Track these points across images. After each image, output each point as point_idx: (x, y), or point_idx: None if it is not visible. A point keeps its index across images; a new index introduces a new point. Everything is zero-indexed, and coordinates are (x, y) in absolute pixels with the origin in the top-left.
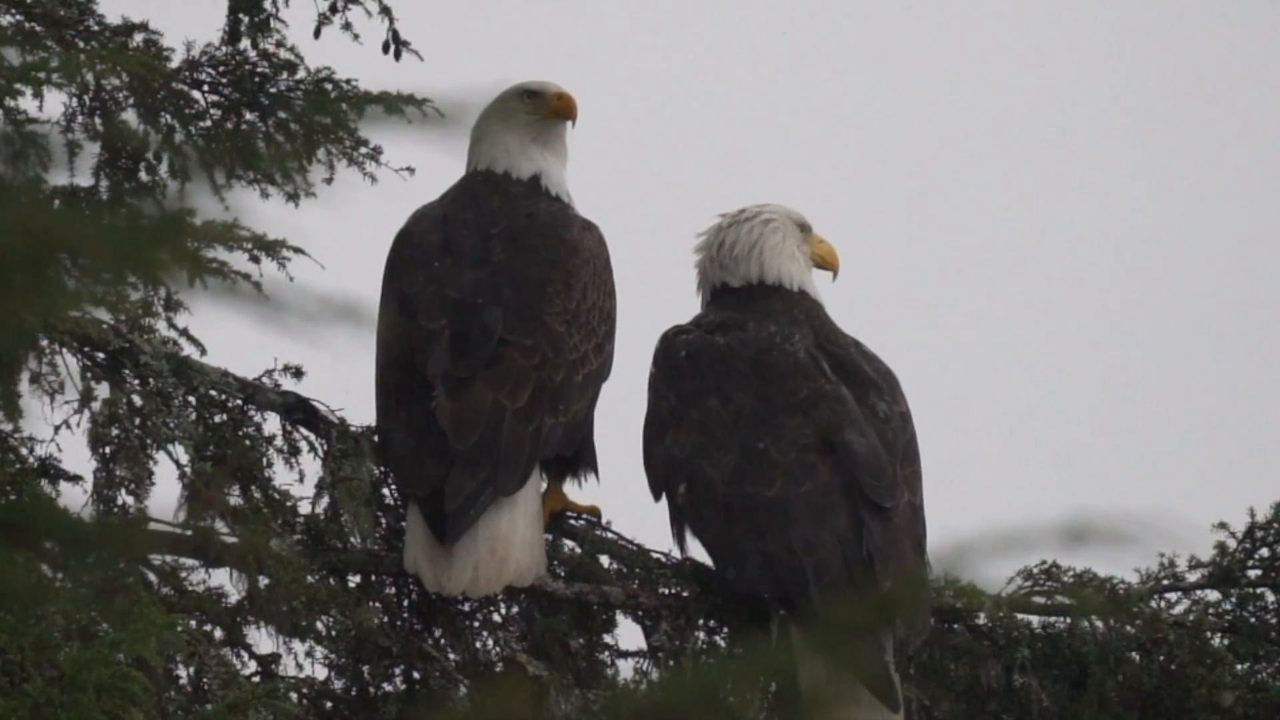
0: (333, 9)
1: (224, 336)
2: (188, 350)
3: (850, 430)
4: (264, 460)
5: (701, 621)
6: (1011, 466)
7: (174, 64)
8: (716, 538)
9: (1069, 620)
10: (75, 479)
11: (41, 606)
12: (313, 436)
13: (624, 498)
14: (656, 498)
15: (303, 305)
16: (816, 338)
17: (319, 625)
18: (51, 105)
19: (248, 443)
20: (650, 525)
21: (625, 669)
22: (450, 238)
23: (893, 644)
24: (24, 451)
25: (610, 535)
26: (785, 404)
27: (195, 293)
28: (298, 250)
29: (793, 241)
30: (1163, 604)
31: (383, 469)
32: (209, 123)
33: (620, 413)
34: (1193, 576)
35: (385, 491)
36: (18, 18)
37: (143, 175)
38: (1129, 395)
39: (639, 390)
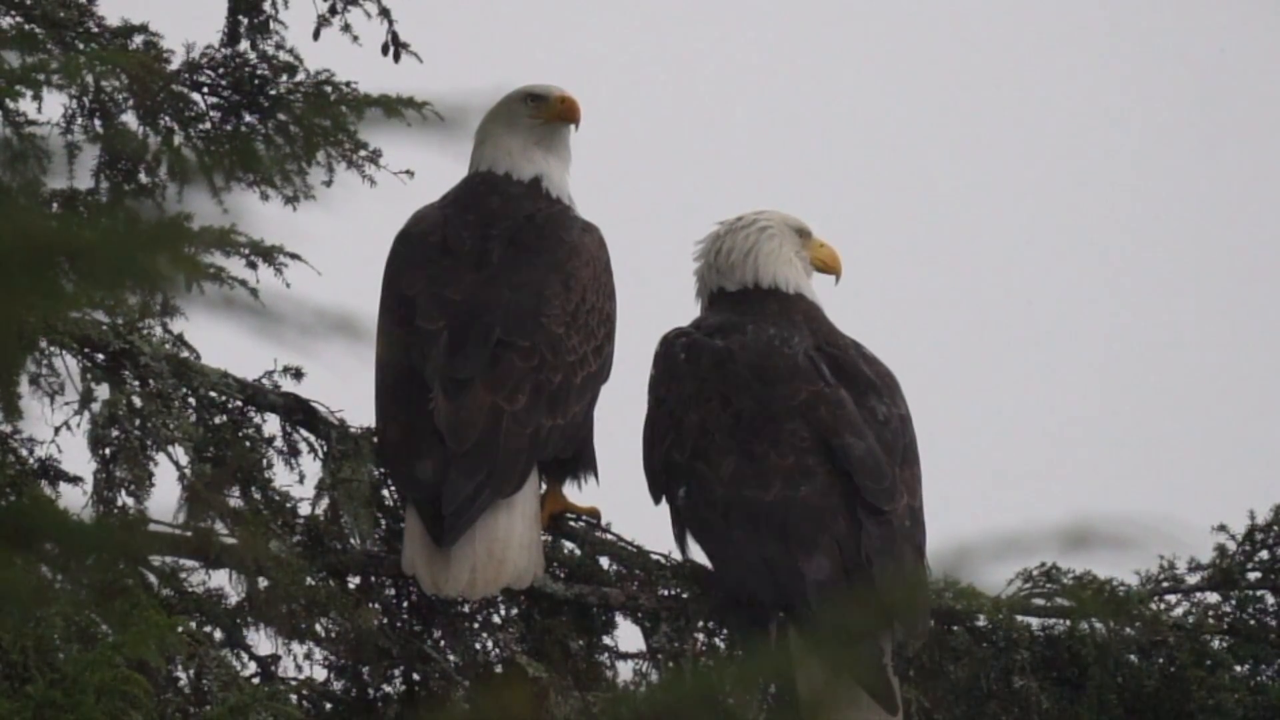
0: (332, 10)
1: (223, 337)
2: (183, 355)
3: (849, 433)
4: (264, 462)
5: (701, 623)
6: (1012, 469)
7: (174, 66)
8: (715, 540)
9: (1068, 622)
10: (75, 480)
11: (42, 608)
12: (313, 438)
13: (624, 500)
14: (656, 500)
15: (299, 317)
16: (816, 340)
17: (318, 627)
18: (51, 107)
19: (248, 444)
20: (650, 527)
21: (625, 671)
22: (450, 239)
23: (891, 646)
24: (24, 453)
25: (610, 537)
26: (784, 407)
27: (192, 301)
28: (294, 256)
29: (790, 247)
30: (1162, 606)
31: (382, 470)
32: (208, 125)
33: (620, 415)
34: (1192, 579)
35: (385, 493)
36: (17, 19)
37: (142, 177)
38: (1129, 397)
39: (639, 392)
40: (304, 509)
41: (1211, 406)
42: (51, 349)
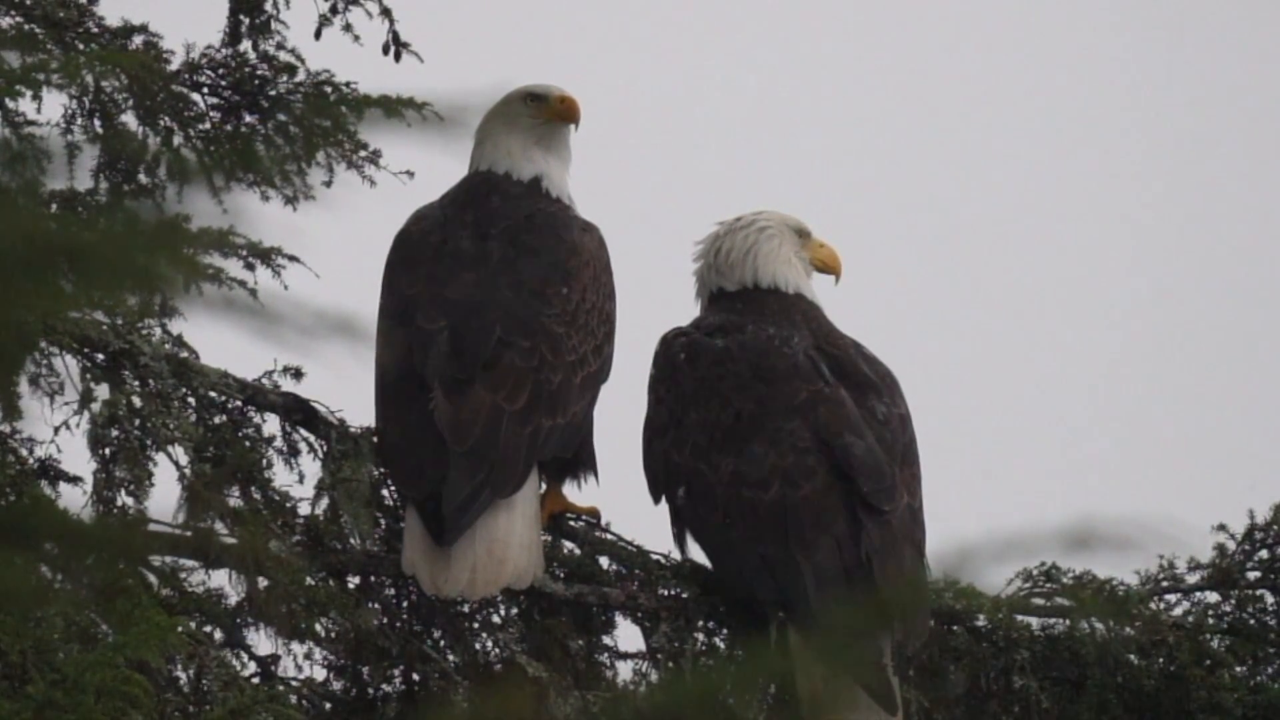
0: (333, 10)
1: (223, 338)
2: (183, 355)
3: (849, 433)
4: (264, 461)
5: (701, 623)
6: (1012, 469)
7: (174, 66)
8: (715, 540)
9: (1068, 622)
10: (75, 480)
11: (41, 608)
12: (312, 438)
13: (624, 499)
14: (656, 500)
15: (299, 319)
16: (815, 340)
17: (318, 627)
18: (51, 107)
19: (247, 444)
20: (650, 527)
21: (624, 671)
22: (450, 238)
23: (891, 646)
24: (24, 452)
25: (610, 537)
26: (784, 407)
27: (192, 303)
28: (292, 258)
29: (789, 247)
30: (1162, 606)
31: (382, 470)
32: (208, 125)
33: (620, 415)
34: (1192, 578)
35: (385, 493)
36: (17, 19)
37: (142, 177)
38: (1129, 397)
39: (639, 392)
40: (304, 509)
41: (1211, 406)
42: (51, 349)
